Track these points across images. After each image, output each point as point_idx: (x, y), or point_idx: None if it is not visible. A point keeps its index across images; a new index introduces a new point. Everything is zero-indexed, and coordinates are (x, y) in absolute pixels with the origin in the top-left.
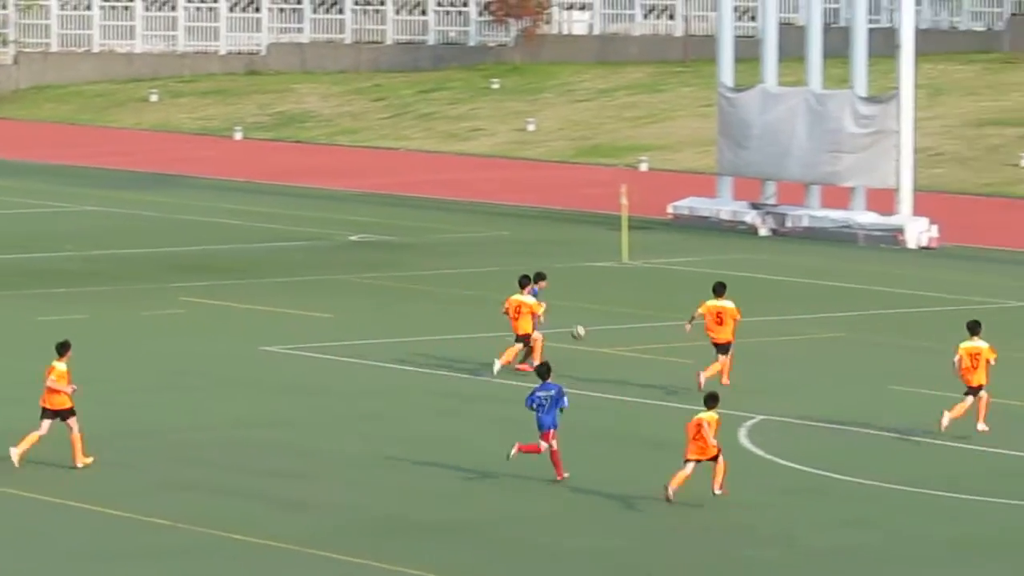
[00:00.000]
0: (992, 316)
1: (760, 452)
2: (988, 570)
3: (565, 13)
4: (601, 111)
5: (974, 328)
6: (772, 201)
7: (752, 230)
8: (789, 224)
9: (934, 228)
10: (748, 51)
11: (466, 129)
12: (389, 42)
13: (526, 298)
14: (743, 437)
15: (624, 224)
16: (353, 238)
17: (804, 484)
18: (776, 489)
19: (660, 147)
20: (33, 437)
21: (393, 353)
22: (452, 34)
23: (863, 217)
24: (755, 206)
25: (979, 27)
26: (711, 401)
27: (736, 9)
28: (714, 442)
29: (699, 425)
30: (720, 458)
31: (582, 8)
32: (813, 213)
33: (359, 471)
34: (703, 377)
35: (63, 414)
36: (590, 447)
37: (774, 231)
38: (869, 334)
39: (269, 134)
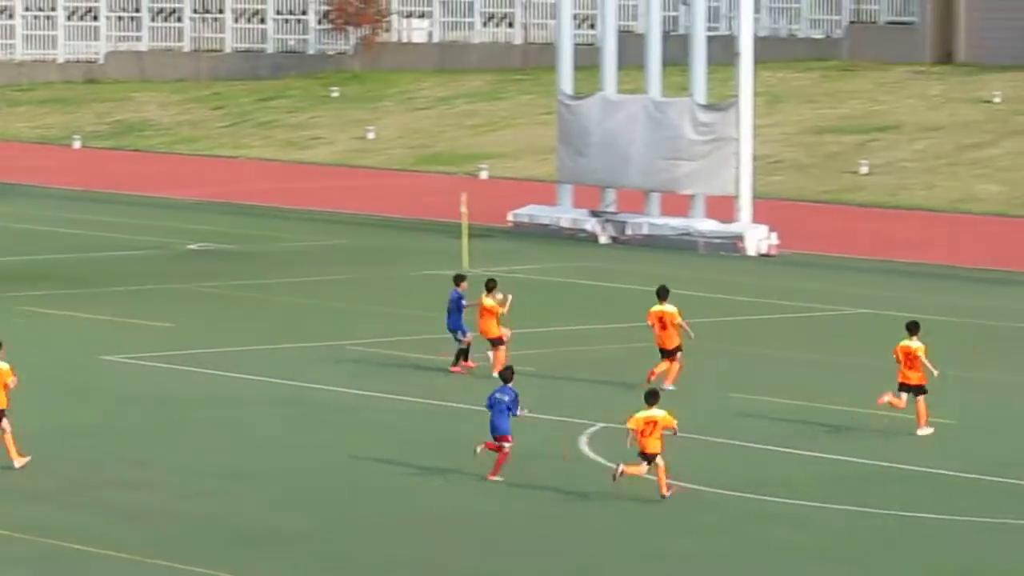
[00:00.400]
0: (832, 323)
1: (601, 460)
2: (816, 575)
3: (404, 21)
4: (441, 119)
5: (912, 328)
6: (612, 209)
7: (592, 238)
8: (629, 232)
9: (773, 235)
10: (587, 59)
11: (306, 137)
12: (228, 50)
13: (487, 300)
14: (584, 444)
15: (464, 232)
16: (192, 247)
17: (645, 492)
18: (611, 494)
19: (500, 155)
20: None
21: (233, 362)
22: (291, 42)
23: (703, 225)
24: (595, 214)
25: (818, 35)
26: (652, 398)
27: (575, 17)
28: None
29: (650, 423)
30: (660, 459)
31: (421, 16)
32: (653, 221)
33: (201, 480)
34: (658, 372)
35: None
36: (436, 454)
37: (614, 239)
38: (710, 342)
39: (108, 143)
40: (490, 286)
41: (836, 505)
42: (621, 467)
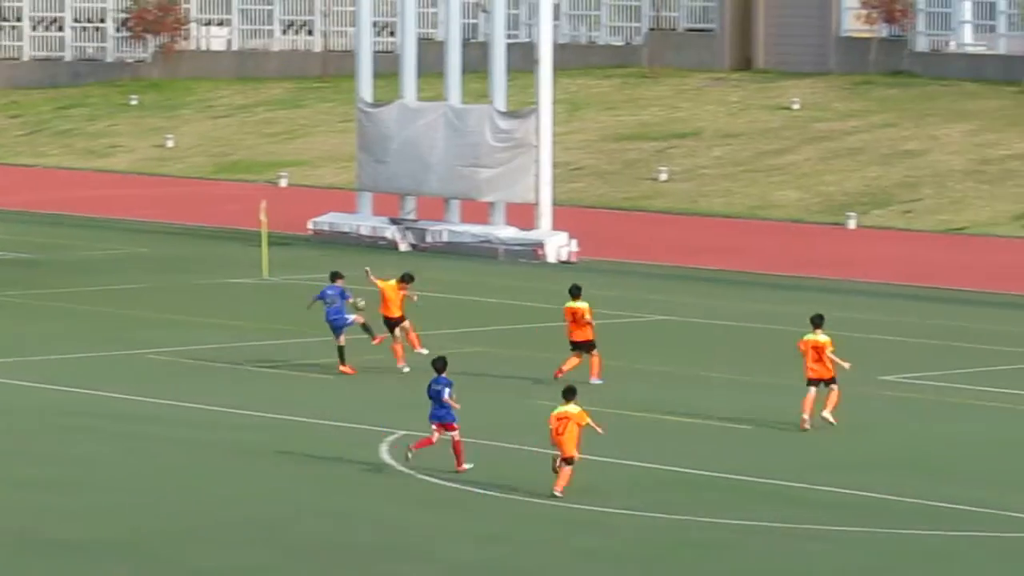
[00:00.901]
0: (632, 330)
1: (400, 467)
2: None
3: (203, 29)
4: (241, 127)
5: (817, 321)
6: (412, 216)
7: (393, 245)
8: (429, 239)
9: (574, 242)
10: (387, 66)
11: (104, 145)
12: (26, 58)
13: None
14: (384, 452)
15: (264, 240)
16: None
17: (444, 498)
18: (416, 503)
19: (300, 163)
20: None
21: (33, 371)
22: (90, 50)
23: (503, 232)
24: (395, 221)
25: (617, 42)
26: (570, 394)
27: (375, 25)
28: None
29: (563, 419)
30: (575, 461)
31: (220, 24)
32: (453, 228)
33: (3, 491)
34: (565, 369)
35: None
36: (236, 463)
37: (414, 246)
38: (510, 348)
39: None
40: (406, 279)
41: (634, 512)
42: (557, 490)
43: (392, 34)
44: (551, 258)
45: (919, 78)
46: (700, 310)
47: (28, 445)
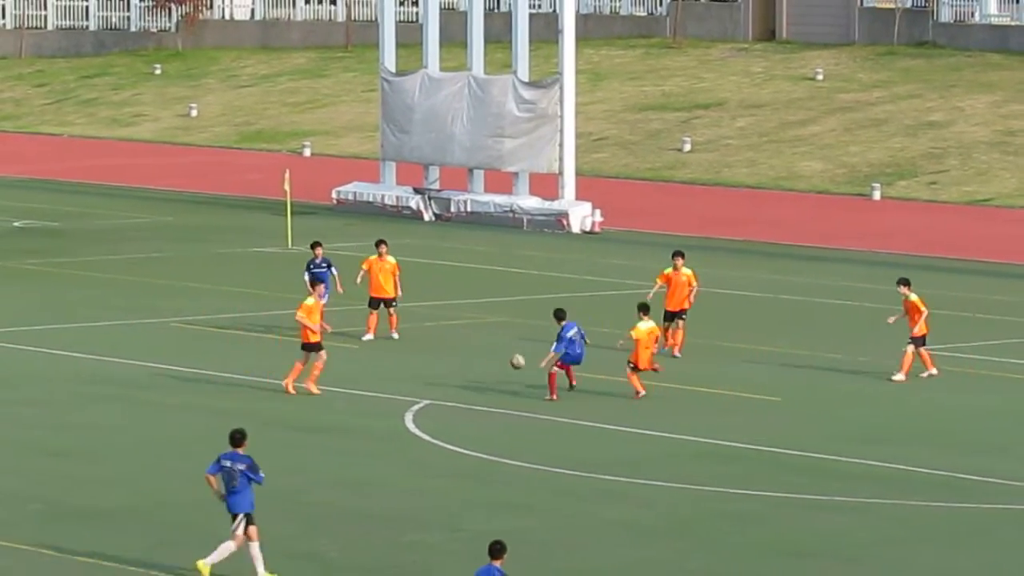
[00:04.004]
0: (655, 301)
1: (426, 437)
2: (649, 552)
3: None
4: (264, 96)
5: (678, 254)
6: (436, 186)
7: (417, 215)
8: (453, 209)
9: (597, 213)
10: (410, 36)
11: (129, 114)
12: (51, 27)
13: (388, 259)
14: (409, 421)
15: (288, 209)
16: (17, 224)
17: (470, 468)
18: (442, 473)
19: (323, 132)
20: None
21: (57, 339)
22: (114, 19)
23: (527, 202)
24: (419, 191)
25: (640, 12)
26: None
27: None
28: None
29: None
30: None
31: None
32: (477, 198)
33: (19, 458)
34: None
35: None
36: (257, 432)
37: (438, 216)
38: (534, 319)
39: None
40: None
41: (665, 483)
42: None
43: (415, 4)
44: (575, 228)
45: (943, 49)
46: (725, 281)
47: (56, 413)
